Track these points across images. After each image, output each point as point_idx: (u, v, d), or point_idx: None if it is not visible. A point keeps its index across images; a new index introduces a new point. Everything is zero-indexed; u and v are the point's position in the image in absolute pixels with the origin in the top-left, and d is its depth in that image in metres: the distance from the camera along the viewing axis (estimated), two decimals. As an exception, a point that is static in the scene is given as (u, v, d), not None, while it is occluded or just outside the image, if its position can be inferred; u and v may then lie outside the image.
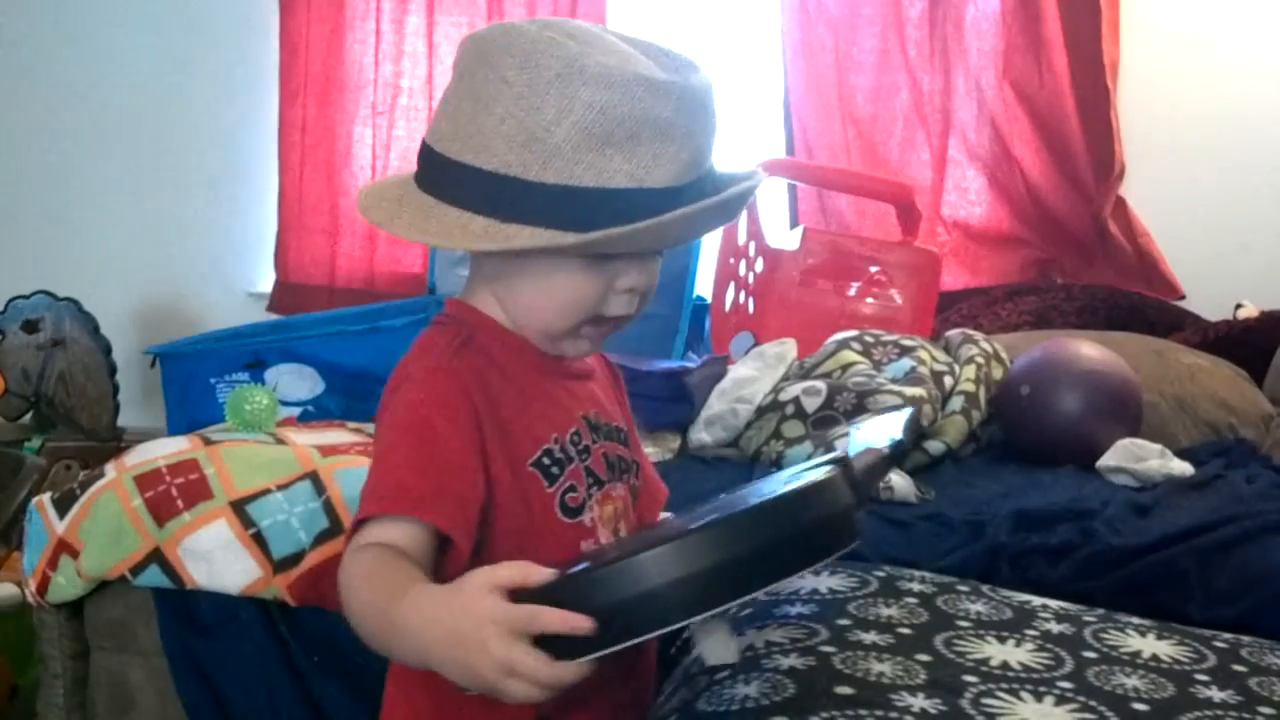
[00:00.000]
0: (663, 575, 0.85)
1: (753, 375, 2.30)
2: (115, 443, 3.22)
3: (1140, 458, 2.01)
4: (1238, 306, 2.80)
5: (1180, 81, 3.07)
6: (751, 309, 2.81)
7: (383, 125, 3.60)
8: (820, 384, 2.21)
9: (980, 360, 2.31)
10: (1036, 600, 1.40)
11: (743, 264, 2.80)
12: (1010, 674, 1.17)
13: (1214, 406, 2.34)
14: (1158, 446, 2.05)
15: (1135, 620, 1.36)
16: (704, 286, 2.79)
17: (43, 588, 1.92)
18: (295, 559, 1.81)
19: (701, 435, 2.24)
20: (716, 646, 0.96)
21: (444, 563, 1.01)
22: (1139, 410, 2.19)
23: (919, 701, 1.09)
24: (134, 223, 3.79)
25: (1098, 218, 3.05)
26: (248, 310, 3.61)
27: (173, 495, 1.88)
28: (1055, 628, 1.31)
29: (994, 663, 1.19)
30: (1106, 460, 2.03)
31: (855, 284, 2.90)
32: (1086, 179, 3.06)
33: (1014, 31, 3.11)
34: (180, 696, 1.91)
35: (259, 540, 1.83)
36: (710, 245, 2.75)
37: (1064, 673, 1.18)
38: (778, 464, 2.09)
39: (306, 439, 2.09)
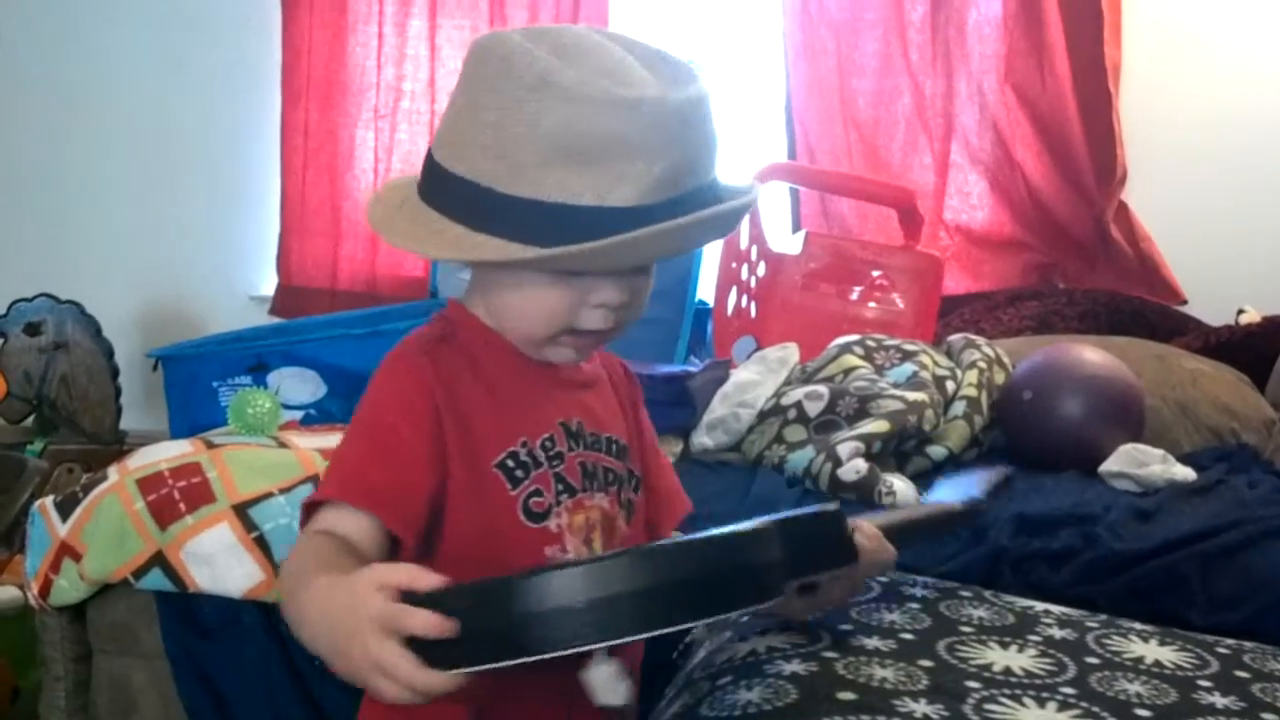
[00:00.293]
0: (545, 601, 0.82)
1: (755, 379, 2.30)
2: (117, 446, 3.22)
3: (1142, 463, 2.00)
4: (1240, 311, 2.79)
5: (1182, 85, 3.07)
6: (754, 313, 2.81)
7: (385, 129, 3.60)
8: (822, 388, 2.21)
9: (982, 365, 2.30)
10: (1039, 605, 1.40)
11: (745, 268, 2.80)
12: (1013, 679, 1.17)
13: (1216, 411, 2.34)
14: (1160, 451, 2.05)
15: (1138, 626, 1.36)
16: (706, 291, 2.79)
17: (45, 591, 1.92)
18: (297, 563, 1.81)
19: (703, 439, 2.24)
20: (603, 684, 0.90)
21: (398, 555, 1.03)
22: (1141, 415, 2.19)
23: (921, 707, 1.09)
24: (136, 226, 3.79)
25: (1099, 222, 3.05)
26: (250, 313, 3.62)
27: (175, 498, 1.89)
28: (1058, 633, 1.31)
29: (996, 668, 1.19)
30: (1109, 465, 2.03)
31: (857, 288, 2.90)
32: (1088, 183, 3.05)
33: (1016, 35, 3.11)
34: (182, 699, 1.91)
35: (261, 544, 1.83)
36: (712, 249, 2.75)
37: (1066, 678, 1.18)
38: (779, 468, 2.09)
39: (309, 442, 2.09)
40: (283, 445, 2.07)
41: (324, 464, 1.92)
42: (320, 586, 0.90)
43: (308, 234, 3.63)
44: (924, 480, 2.02)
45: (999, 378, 2.31)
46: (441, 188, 1.05)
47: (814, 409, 2.17)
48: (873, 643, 1.24)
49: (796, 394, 2.22)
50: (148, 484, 1.91)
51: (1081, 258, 3.12)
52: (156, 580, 1.87)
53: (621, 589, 0.82)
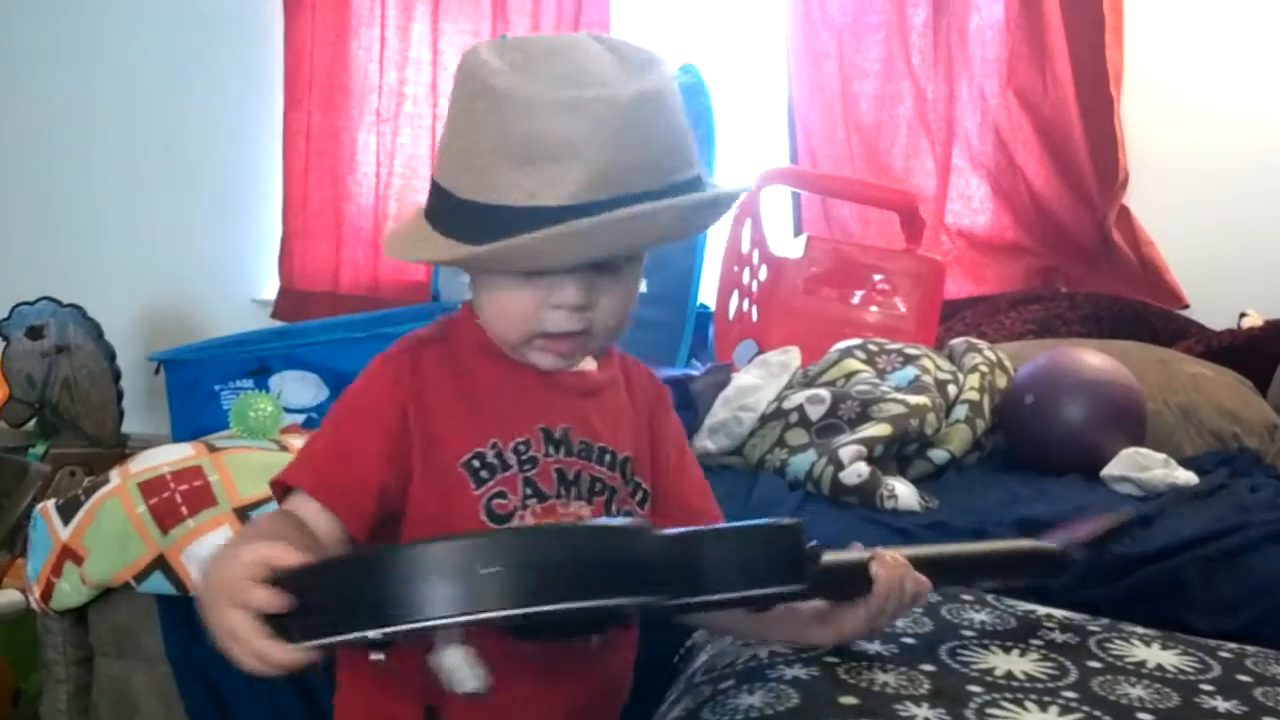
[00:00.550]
0: (382, 577, 0.83)
1: (756, 383, 2.30)
2: (119, 449, 3.22)
3: (1144, 467, 2.00)
4: (1242, 315, 2.79)
5: (1184, 90, 3.07)
6: (755, 317, 2.81)
7: (387, 132, 3.60)
8: (824, 392, 2.21)
9: (984, 369, 2.31)
10: (1041, 609, 1.40)
11: (746, 272, 2.80)
12: (1014, 684, 1.17)
13: (1218, 416, 2.34)
14: (1162, 456, 2.05)
15: (1140, 630, 1.35)
16: (708, 295, 2.79)
17: (47, 594, 1.92)
18: (299, 566, 1.81)
19: (705, 443, 2.24)
20: (453, 670, 0.89)
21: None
22: (1143, 419, 2.19)
23: (923, 711, 1.09)
24: (138, 229, 3.80)
25: (1101, 226, 3.05)
26: (252, 317, 3.62)
27: (177, 502, 1.89)
28: (1059, 637, 1.31)
29: (998, 672, 1.19)
30: (1111, 469, 2.03)
31: (859, 292, 2.90)
32: (1090, 188, 3.06)
33: (1018, 40, 3.11)
34: (184, 702, 1.91)
35: (263, 547, 1.83)
36: (714, 253, 2.75)
37: (1068, 682, 1.18)
38: (781, 471, 2.09)
39: (310, 446, 2.09)
40: (284, 448, 2.08)
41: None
42: (216, 553, 0.92)
43: (310, 237, 3.63)
44: (926, 484, 2.02)
45: (1001, 381, 2.31)
46: (430, 198, 1.10)
47: (816, 413, 2.17)
48: (874, 647, 1.24)
49: (798, 398, 2.22)
50: (149, 487, 1.91)
51: (1083, 262, 3.12)
52: (158, 583, 1.87)
53: (451, 568, 0.83)
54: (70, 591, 1.91)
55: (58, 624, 1.98)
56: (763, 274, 2.85)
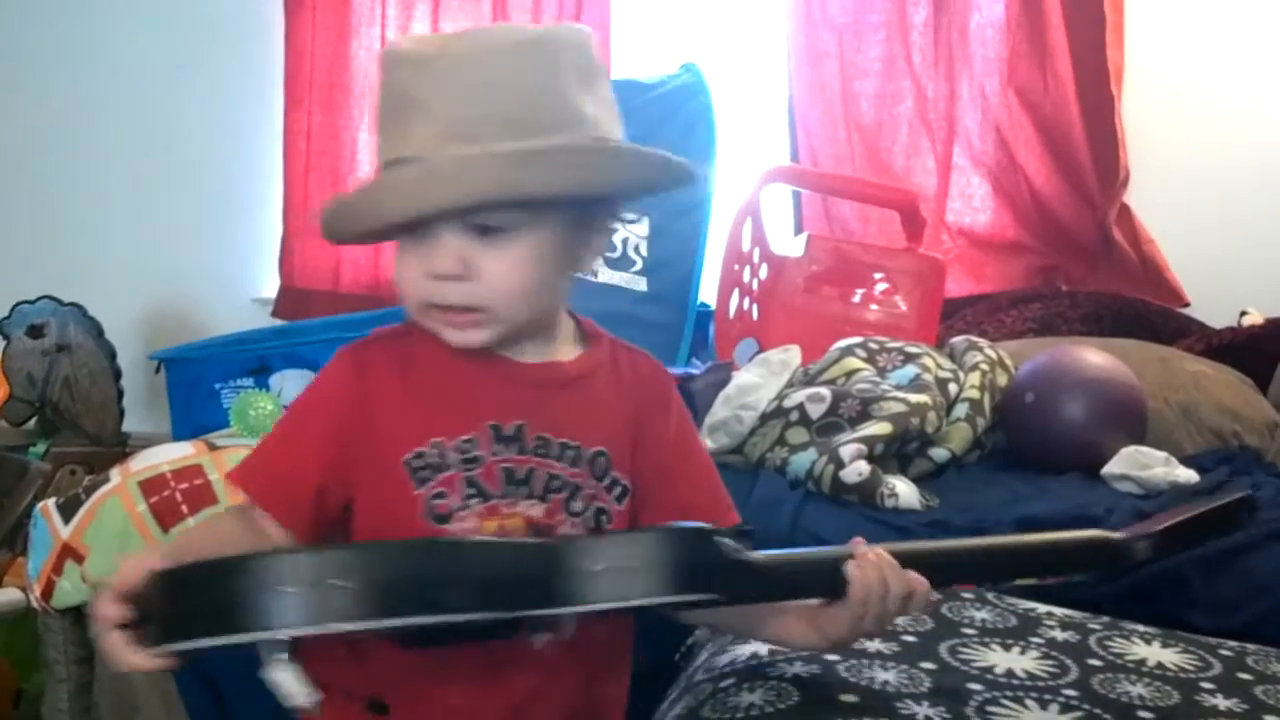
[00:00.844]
0: (207, 586, 0.84)
1: (757, 382, 2.30)
2: (120, 448, 3.22)
3: (1145, 465, 2.00)
4: (1242, 314, 2.79)
5: (1185, 88, 3.07)
6: (755, 315, 2.81)
7: (387, 132, 3.60)
8: (825, 391, 2.21)
9: (985, 367, 2.30)
10: (1041, 607, 1.40)
11: (747, 270, 2.80)
12: (1015, 682, 1.17)
13: (1219, 414, 2.33)
14: (1162, 454, 2.05)
15: (1140, 628, 1.36)
16: (708, 293, 2.79)
17: (47, 593, 1.92)
18: (299, 564, 1.81)
19: (705, 442, 2.23)
20: (283, 685, 0.89)
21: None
22: (1143, 417, 2.18)
23: (924, 709, 1.09)
24: (139, 228, 3.79)
25: (1102, 225, 3.05)
26: (252, 315, 3.62)
27: (177, 500, 1.89)
28: (1060, 635, 1.31)
29: (999, 670, 1.19)
30: (1111, 468, 2.03)
31: (860, 291, 2.90)
32: (1091, 186, 3.05)
33: (1018, 39, 3.11)
34: (184, 701, 1.91)
35: (263, 546, 1.83)
36: (714, 252, 2.75)
37: (1069, 680, 1.19)
38: (782, 470, 2.09)
39: (311, 445, 2.09)
40: (285, 447, 2.07)
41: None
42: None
43: (310, 236, 3.63)
44: (926, 483, 2.02)
45: (1001, 380, 2.31)
46: None
47: (816, 411, 2.17)
48: (875, 645, 1.24)
49: (798, 396, 2.22)
50: (150, 486, 1.91)
51: (1084, 260, 3.12)
52: (159, 582, 1.87)
53: (291, 580, 0.83)
54: (71, 590, 1.91)
55: (58, 623, 1.98)
56: (763, 272, 2.85)
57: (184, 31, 3.76)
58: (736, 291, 2.77)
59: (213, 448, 2.02)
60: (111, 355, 3.39)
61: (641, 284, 2.70)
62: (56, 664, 2.01)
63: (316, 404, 1.12)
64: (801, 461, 2.04)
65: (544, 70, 1.03)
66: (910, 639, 1.26)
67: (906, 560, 1.07)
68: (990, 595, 1.43)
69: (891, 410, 2.09)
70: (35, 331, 3.32)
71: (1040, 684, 1.17)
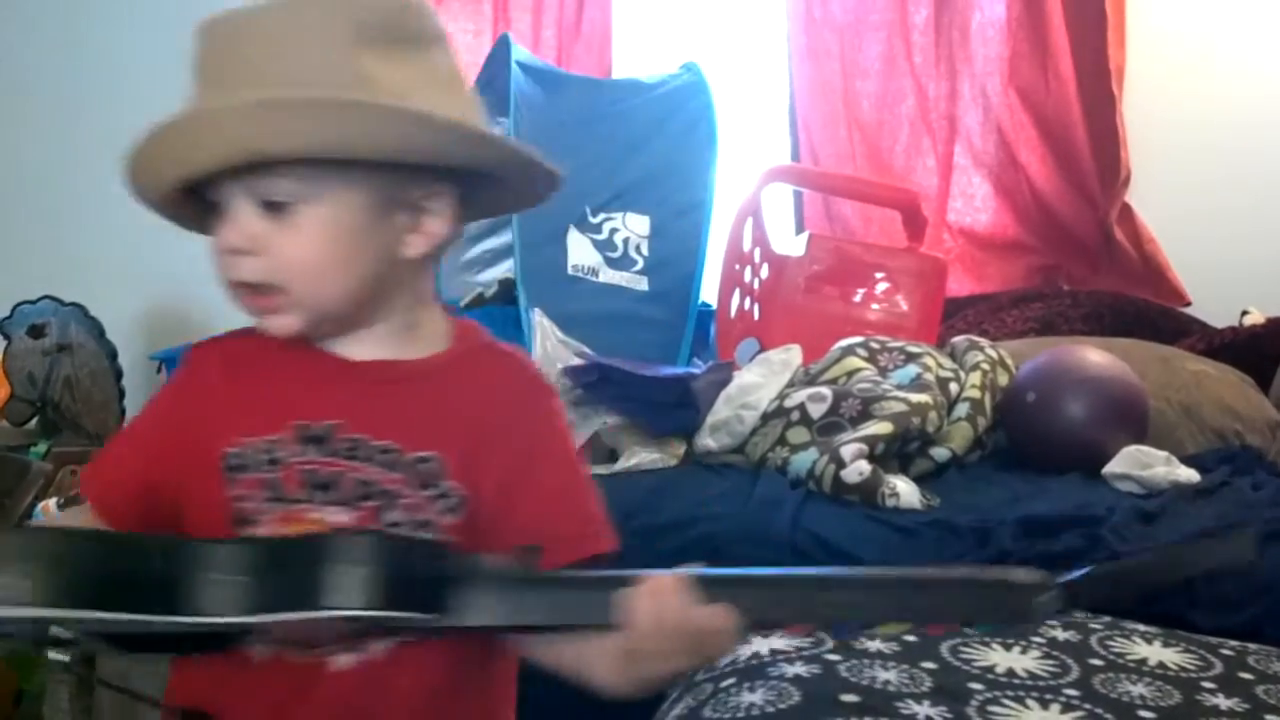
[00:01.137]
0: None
1: (758, 381, 2.30)
2: (121, 448, 3.22)
3: (1146, 465, 2.00)
4: (1244, 313, 2.79)
5: (1186, 87, 3.07)
6: (757, 315, 2.81)
7: (388, 131, 3.60)
8: (826, 390, 2.21)
9: (986, 367, 2.30)
10: (1042, 607, 1.40)
11: (748, 270, 2.80)
12: (1016, 681, 1.17)
13: (1220, 413, 2.33)
14: (1164, 453, 2.05)
15: (1141, 627, 1.36)
16: (709, 293, 2.79)
17: (49, 593, 1.92)
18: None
19: (707, 441, 2.24)
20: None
21: None
22: (1145, 417, 2.18)
23: (924, 709, 1.09)
24: (140, 228, 3.72)
25: (1103, 224, 3.05)
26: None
27: (178, 500, 1.88)
28: (1061, 635, 1.31)
29: (1000, 670, 1.19)
30: (1112, 467, 2.03)
31: (861, 290, 2.90)
32: (1092, 185, 3.05)
33: (1019, 38, 3.11)
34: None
35: (264, 546, 1.83)
36: (715, 251, 2.75)
37: (1070, 680, 1.18)
38: (783, 470, 2.09)
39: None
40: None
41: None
42: None
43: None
44: (927, 482, 2.02)
45: (1002, 379, 2.31)
46: None
47: (817, 411, 2.17)
48: (876, 645, 1.24)
49: (800, 396, 2.22)
50: (151, 486, 1.91)
51: (1085, 260, 3.11)
52: (160, 582, 1.86)
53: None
54: (72, 590, 1.90)
55: (59, 622, 1.98)
56: (764, 272, 2.84)
57: (185, 30, 3.74)
58: (737, 291, 2.77)
59: (214, 447, 2.02)
60: (112, 355, 3.39)
61: (643, 283, 2.69)
62: (56, 664, 2.01)
63: (152, 403, 1.11)
64: (803, 461, 2.04)
65: (310, 24, 0.97)
66: (911, 639, 1.26)
67: (720, 589, 0.90)
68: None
69: (892, 410, 2.09)
70: (36, 331, 3.31)
71: (1041, 683, 1.17)
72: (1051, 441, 2.14)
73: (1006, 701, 1.11)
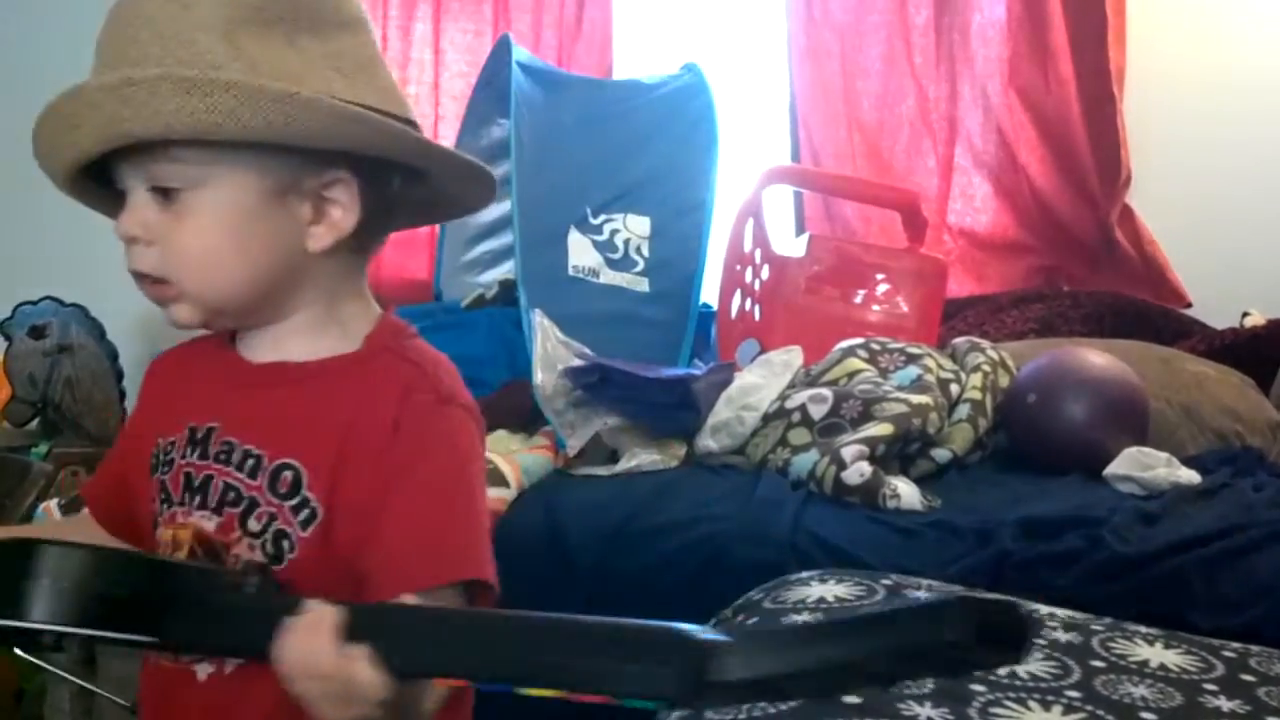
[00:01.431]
0: None
1: (759, 382, 2.30)
2: (122, 448, 3.22)
3: (1147, 466, 2.00)
4: (1244, 315, 2.79)
5: (1186, 88, 3.07)
6: (758, 316, 2.81)
7: (389, 132, 3.59)
8: (826, 391, 2.21)
9: (987, 368, 2.31)
10: (1044, 609, 1.40)
11: (749, 271, 2.80)
12: (1018, 683, 1.17)
13: (1221, 414, 2.33)
14: (1165, 455, 2.05)
15: (1143, 629, 1.36)
16: (710, 294, 2.79)
17: (50, 593, 1.92)
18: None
19: (708, 442, 2.24)
20: None
21: None
22: (1146, 418, 2.19)
23: (926, 710, 1.09)
24: (141, 229, 3.79)
25: (1104, 225, 3.05)
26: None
27: (180, 501, 1.88)
28: (1063, 636, 1.31)
29: (1001, 671, 1.19)
30: (1113, 468, 2.03)
31: (861, 291, 2.90)
32: (1092, 186, 3.05)
33: (1020, 39, 3.11)
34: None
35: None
36: (716, 252, 2.75)
37: (1071, 682, 1.18)
38: (784, 471, 2.09)
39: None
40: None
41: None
42: None
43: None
44: (928, 484, 2.02)
45: (1003, 380, 2.31)
46: None
47: (818, 412, 2.17)
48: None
49: (800, 397, 2.22)
50: (152, 487, 1.91)
51: (1085, 261, 3.11)
52: (161, 583, 1.87)
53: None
54: (73, 591, 1.90)
55: (60, 623, 1.98)
56: (765, 273, 2.85)
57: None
58: (738, 292, 2.77)
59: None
60: (113, 356, 3.39)
61: (643, 284, 2.69)
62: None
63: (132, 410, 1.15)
64: (803, 462, 2.04)
65: (200, 6, 0.94)
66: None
67: (371, 629, 0.80)
68: (991, 597, 1.43)
69: (893, 411, 2.09)
70: (37, 332, 3.32)
71: (1043, 685, 1.17)
72: (1052, 442, 2.14)
73: (1008, 703, 1.12)
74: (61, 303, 3.36)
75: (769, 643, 0.73)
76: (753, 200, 2.78)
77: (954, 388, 2.26)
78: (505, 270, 2.87)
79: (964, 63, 3.18)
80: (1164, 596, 1.63)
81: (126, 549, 0.97)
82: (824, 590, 1.43)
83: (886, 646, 0.69)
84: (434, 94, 3.57)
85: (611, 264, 2.69)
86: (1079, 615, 1.39)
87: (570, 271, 2.63)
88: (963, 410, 2.21)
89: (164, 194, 0.96)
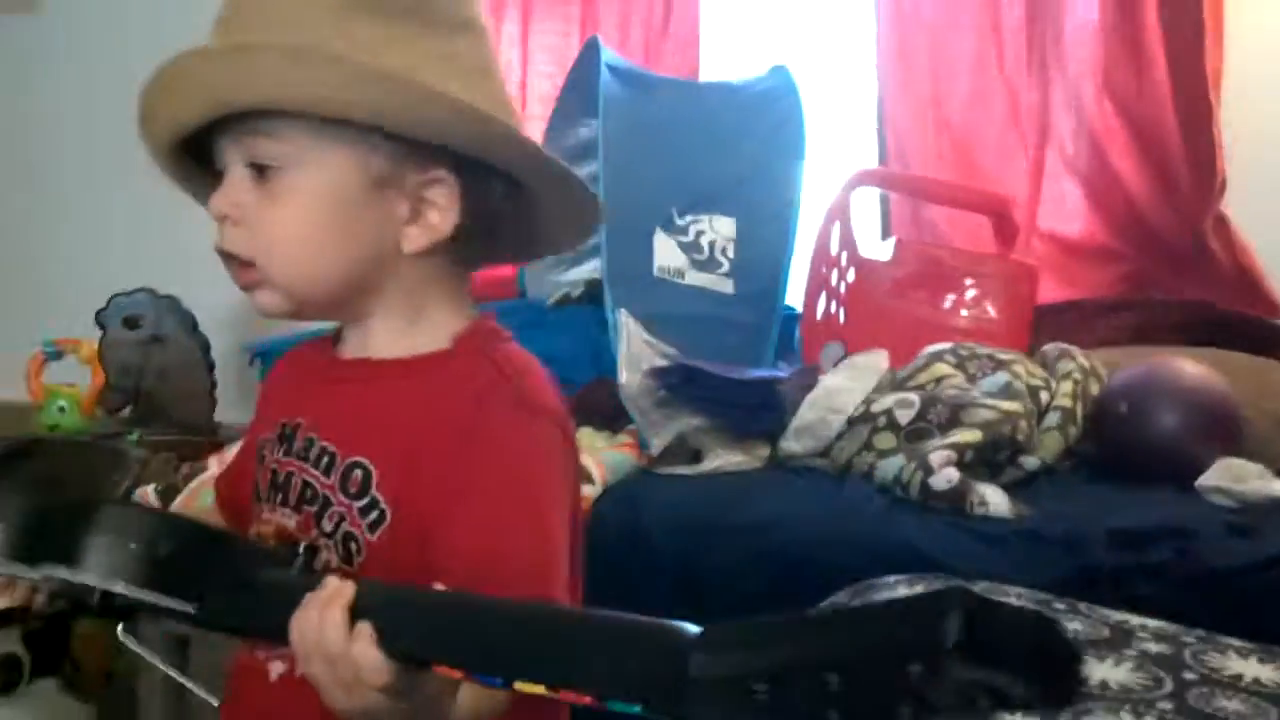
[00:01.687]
0: None
1: (844, 385, 2.29)
2: (211, 437, 3.28)
3: (1240, 477, 1.97)
4: (1341, 326, 2.74)
5: (1286, 94, 3.01)
6: (843, 319, 2.80)
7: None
8: (913, 396, 2.20)
9: (1078, 376, 2.28)
10: (1134, 619, 1.39)
11: (834, 273, 2.79)
12: (1109, 693, 1.16)
13: (1316, 426, 2.29)
14: (1258, 466, 2.02)
15: (1236, 642, 1.34)
16: (794, 296, 2.79)
17: (145, 578, 1.96)
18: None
19: (791, 445, 2.24)
20: None
21: None
22: (1239, 429, 2.15)
23: (1018, 717, 1.08)
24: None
25: (1197, 232, 2.99)
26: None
27: (271, 490, 1.92)
28: (1154, 648, 1.30)
29: (1093, 681, 1.18)
30: (1205, 480, 2.00)
31: (949, 296, 2.87)
32: (1186, 193, 3.00)
33: (1114, 43, 3.06)
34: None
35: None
36: (802, 255, 2.75)
37: (1164, 693, 1.17)
38: (869, 475, 2.08)
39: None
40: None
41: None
42: None
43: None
44: (1017, 491, 2.00)
45: (1094, 388, 2.28)
46: None
47: (905, 416, 2.16)
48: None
49: (887, 401, 2.21)
50: (245, 475, 1.95)
51: (1177, 268, 3.06)
52: (253, 569, 1.90)
53: None
54: (167, 576, 1.95)
55: (154, 606, 2.02)
56: (851, 276, 2.83)
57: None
58: (824, 294, 2.76)
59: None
60: (205, 347, 3.45)
61: (728, 286, 2.69)
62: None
63: None
64: (889, 467, 2.03)
65: None
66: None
67: (377, 608, 0.76)
68: (1082, 606, 1.42)
69: (982, 417, 2.07)
70: (131, 323, 3.38)
71: (1135, 696, 1.16)
72: (1143, 452, 2.11)
73: (1100, 712, 1.11)
74: (155, 294, 3.42)
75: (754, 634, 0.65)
76: (840, 202, 2.77)
77: (1044, 395, 2.24)
78: (590, 269, 2.88)
79: (1056, 65, 3.14)
80: (1256, 611, 1.61)
81: (186, 515, 1.03)
82: (910, 594, 1.42)
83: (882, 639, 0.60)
84: (521, 93, 3.58)
85: (696, 265, 2.70)
86: (1170, 626, 1.38)
87: (655, 272, 2.64)
88: (1052, 418, 2.19)
89: (261, 173, 0.95)
